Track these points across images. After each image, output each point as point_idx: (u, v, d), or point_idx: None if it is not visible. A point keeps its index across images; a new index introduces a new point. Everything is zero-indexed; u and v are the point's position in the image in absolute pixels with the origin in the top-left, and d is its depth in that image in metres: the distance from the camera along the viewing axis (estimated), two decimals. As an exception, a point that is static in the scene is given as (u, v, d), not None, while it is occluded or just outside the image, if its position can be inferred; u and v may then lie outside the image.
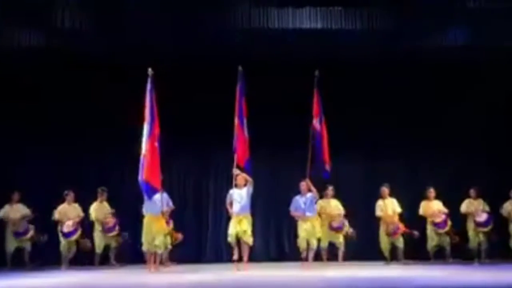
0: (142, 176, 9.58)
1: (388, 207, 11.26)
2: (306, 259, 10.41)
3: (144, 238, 9.97)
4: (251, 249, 10.29)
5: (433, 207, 11.47)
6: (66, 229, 10.81)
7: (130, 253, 11.34)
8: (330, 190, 11.34)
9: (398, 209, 11.28)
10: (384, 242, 11.22)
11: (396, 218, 11.25)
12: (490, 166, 12.14)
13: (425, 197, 11.57)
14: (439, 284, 7.88)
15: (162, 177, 10.11)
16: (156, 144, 9.77)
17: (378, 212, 11.27)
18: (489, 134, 12.30)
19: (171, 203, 10.64)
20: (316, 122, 10.54)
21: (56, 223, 10.95)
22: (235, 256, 10.01)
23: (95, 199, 11.35)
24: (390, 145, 12.38)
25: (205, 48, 11.42)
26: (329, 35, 11.17)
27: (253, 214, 10.39)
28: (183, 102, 11.99)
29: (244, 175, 10.21)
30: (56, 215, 10.90)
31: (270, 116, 11.93)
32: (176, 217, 11.29)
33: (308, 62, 11.09)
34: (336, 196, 11.58)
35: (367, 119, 12.32)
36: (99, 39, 11.03)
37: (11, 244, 11.02)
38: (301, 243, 10.45)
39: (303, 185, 10.48)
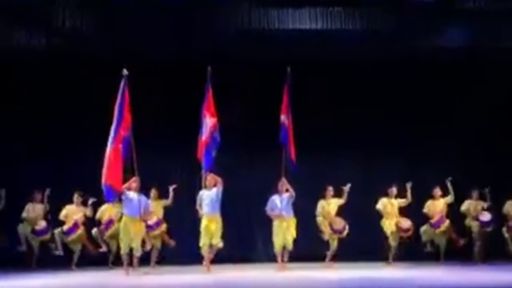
0: (104, 179, 9.50)
1: (394, 206, 11.22)
2: (282, 260, 10.36)
3: (122, 241, 9.86)
4: (253, 249, 10.23)
5: (438, 207, 11.37)
6: (65, 227, 10.83)
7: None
8: (330, 190, 11.13)
9: (402, 204, 11.25)
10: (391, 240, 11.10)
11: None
12: (490, 166, 12.19)
13: (430, 197, 11.47)
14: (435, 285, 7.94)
15: (155, 182, 10.21)
16: (120, 146, 9.64)
17: (379, 206, 11.21)
18: (488, 133, 12.38)
19: (149, 208, 10.36)
20: (284, 118, 10.52)
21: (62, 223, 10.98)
22: (206, 264, 10.03)
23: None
24: (390, 145, 12.40)
25: (204, 49, 11.42)
26: (328, 36, 11.19)
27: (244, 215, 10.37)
28: (180, 102, 11.95)
29: (214, 175, 10.20)
30: (62, 214, 10.96)
31: (267, 116, 11.90)
32: (172, 219, 11.28)
33: (308, 62, 11.14)
34: (336, 195, 11.48)
35: (366, 119, 12.36)
36: (100, 39, 11.04)
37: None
38: (276, 244, 10.38)
39: (280, 184, 10.44)
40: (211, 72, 10.34)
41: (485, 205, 11.44)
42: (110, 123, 11.55)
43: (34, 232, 11.01)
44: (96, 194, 10.83)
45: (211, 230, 10.00)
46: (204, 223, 10.08)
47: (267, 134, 11.51)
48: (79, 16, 10.69)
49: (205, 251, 10.05)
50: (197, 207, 10.29)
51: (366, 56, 11.73)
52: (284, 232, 10.30)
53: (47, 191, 11.12)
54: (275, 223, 10.45)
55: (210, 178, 10.17)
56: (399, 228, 11.10)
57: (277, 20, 11.04)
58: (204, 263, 10.08)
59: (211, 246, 10.05)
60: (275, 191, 10.52)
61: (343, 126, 12.09)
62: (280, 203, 10.37)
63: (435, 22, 11.15)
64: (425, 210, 11.47)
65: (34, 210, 11.12)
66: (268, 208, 10.54)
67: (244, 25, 10.99)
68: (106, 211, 11.00)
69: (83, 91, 11.89)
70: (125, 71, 9.79)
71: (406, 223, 11.14)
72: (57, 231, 10.95)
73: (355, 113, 12.30)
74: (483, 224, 11.32)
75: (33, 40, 10.72)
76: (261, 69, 11.72)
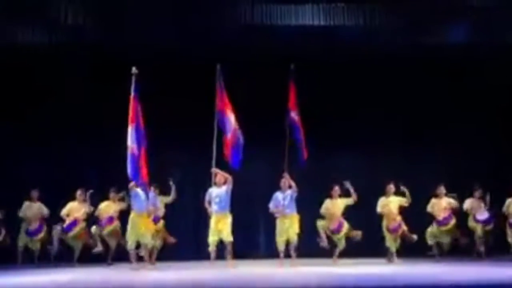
0: (142, 179, 9.64)
1: (391, 204, 11.02)
2: (287, 257, 10.29)
3: (129, 236, 9.83)
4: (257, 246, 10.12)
5: (442, 205, 11.18)
6: (65, 224, 10.79)
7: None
8: (336, 190, 10.84)
9: (403, 203, 10.97)
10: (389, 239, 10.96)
11: (399, 217, 10.97)
12: (492, 164, 12.20)
13: (434, 195, 11.28)
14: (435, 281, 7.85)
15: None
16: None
17: (379, 209, 11.02)
18: (490, 130, 12.37)
19: (158, 204, 10.50)
20: (294, 115, 10.51)
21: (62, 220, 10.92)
22: (211, 260, 10.00)
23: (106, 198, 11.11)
24: (393, 142, 12.41)
25: (207, 45, 11.40)
26: (331, 32, 11.18)
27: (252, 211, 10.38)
28: (182, 98, 11.91)
29: (223, 173, 10.16)
30: (64, 211, 10.89)
31: (272, 112, 11.89)
32: (174, 216, 11.27)
33: (311, 58, 11.12)
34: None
35: (369, 115, 12.35)
36: (103, 35, 11.04)
37: (21, 241, 11.02)
38: (279, 241, 10.34)
39: (283, 181, 10.38)
40: (220, 69, 10.31)
41: (484, 205, 11.25)
42: (111, 121, 11.67)
43: (27, 232, 10.96)
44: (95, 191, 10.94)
45: (218, 228, 9.98)
46: (213, 221, 10.05)
47: (267, 131, 11.55)
48: (82, 12, 10.69)
49: (212, 249, 10.02)
50: (206, 204, 10.25)
51: (368, 53, 11.71)
52: (287, 229, 10.25)
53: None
54: (278, 221, 10.41)
55: (219, 175, 10.13)
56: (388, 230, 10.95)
57: (280, 16, 11.03)
58: (211, 259, 10.03)
59: (222, 242, 10.02)
60: (278, 188, 10.47)
61: (345, 122, 12.06)
62: (283, 200, 10.31)
63: (438, 19, 11.14)
64: (429, 209, 11.25)
65: (31, 209, 11.02)
66: (271, 205, 10.48)
67: (246, 21, 10.98)
68: (105, 208, 10.97)
69: (85, 89, 11.89)
70: (134, 70, 9.75)
71: (394, 224, 10.91)
72: (55, 229, 10.86)
73: (357, 109, 12.29)
74: (482, 222, 11.16)
75: (35, 36, 10.72)
76: (263, 66, 11.69)
